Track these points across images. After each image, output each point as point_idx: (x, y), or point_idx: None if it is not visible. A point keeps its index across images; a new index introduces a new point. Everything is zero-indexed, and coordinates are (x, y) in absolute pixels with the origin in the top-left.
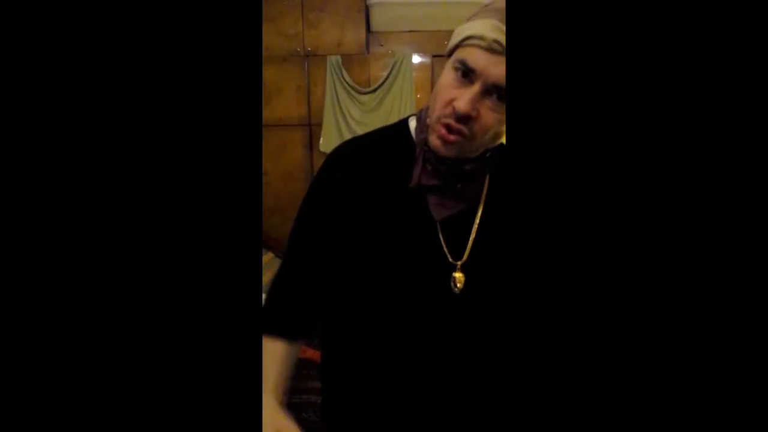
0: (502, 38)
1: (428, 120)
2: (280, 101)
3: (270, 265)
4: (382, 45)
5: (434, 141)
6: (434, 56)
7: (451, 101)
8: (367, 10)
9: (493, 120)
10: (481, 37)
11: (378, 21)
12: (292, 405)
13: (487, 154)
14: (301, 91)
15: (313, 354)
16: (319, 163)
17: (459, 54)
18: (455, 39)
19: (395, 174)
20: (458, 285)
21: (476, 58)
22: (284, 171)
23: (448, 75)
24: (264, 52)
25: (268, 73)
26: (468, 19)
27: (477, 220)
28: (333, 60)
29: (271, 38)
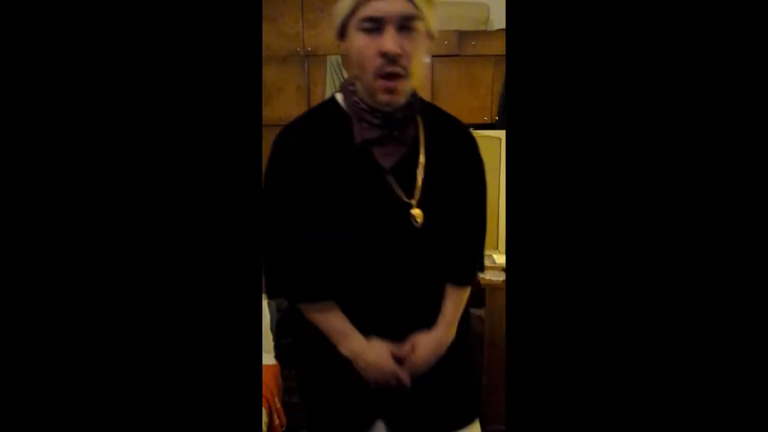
0: None
1: (361, 84)
2: (280, 101)
3: None
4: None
5: (382, 98)
6: (434, 56)
7: (376, 54)
8: None
9: (416, 50)
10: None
11: None
12: (292, 405)
13: (411, 100)
14: (301, 91)
15: None
16: None
17: (359, 16)
18: (344, 11)
19: (338, 140)
20: (418, 220)
21: (376, 7)
22: None
23: (359, 40)
24: (264, 52)
25: (268, 73)
26: None
27: (421, 161)
28: (333, 60)
29: (271, 38)
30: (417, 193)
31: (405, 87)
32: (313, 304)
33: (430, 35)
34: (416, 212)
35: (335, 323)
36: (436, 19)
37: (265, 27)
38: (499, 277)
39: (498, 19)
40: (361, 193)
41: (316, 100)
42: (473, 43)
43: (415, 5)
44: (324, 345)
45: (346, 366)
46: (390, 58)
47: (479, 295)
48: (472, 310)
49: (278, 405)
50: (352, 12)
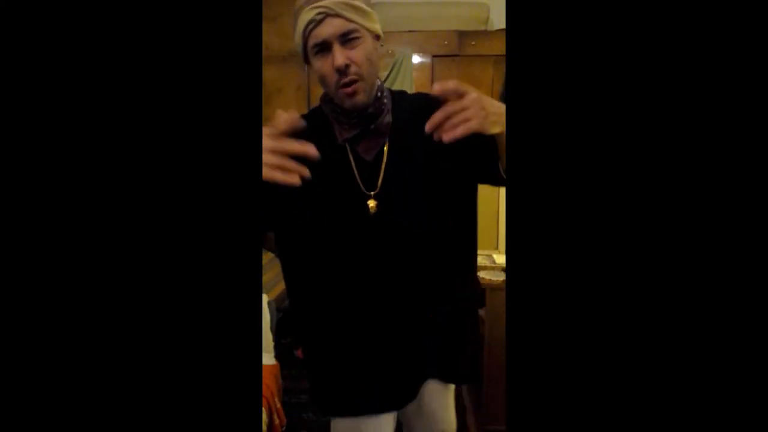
0: (319, 8)
1: (329, 97)
2: (280, 101)
3: (270, 265)
4: (382, 45)
5: (347, 103)
6: (434, 56)
7: (332, 70)
8: None
9: (362, 55)
10: (311, 21)
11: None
12: (292, 405)
13: (378, 94)
14: (301, 90)
15: None
16: None
17: (309, 45)
18: (298, 43)
19: (323, 141)
20: (372, 210)
21: (320, 32)
22: None
23: (317, 62)
24: (264, 52)
25: (268, 73)
26: (295, 29)
27: (384, 155)
28: None
29: (271, 38)
30: (379, 183)
31: (363, 87)
32: None
33: (376, 36)
34: (371, 203)
35: None
36: (376, 21)
37: (265, 27)
38: (499, 277)
39: (498, 19)
40: (332, 188)
41: (316, 100)
42: (473, 43)
43: (350, 20)
44: (332, 340)
45: (352, 359)
46: (342, 71)
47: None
48: None
49: (278, 405)
50: (304, 43)
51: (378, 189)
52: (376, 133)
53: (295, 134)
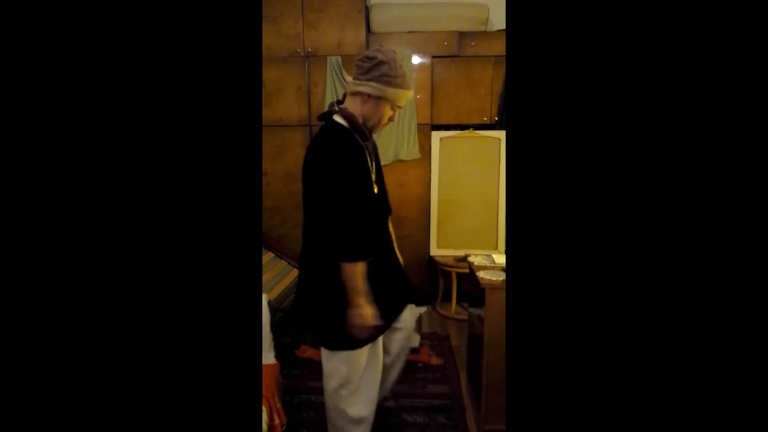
0: (411, 91)
1: (372, 123)
2: (280, 101)
3: (270, 264)
4: (382, 46)
5: (379, 128)
6: (434, 57)
7: (389, 118)
8: (367, 11)
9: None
10: (407, 98)
11: (378, 22)
12: (293, 404)
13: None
14: (301, 91)
15: (313, 354)
16: None
17: (397, 102)
18: (391, 98)
19: (355, 144)
20: (375, 191)
21: (404, 102)
22: (284, 171)
23: (388, 111)
24: (264, 53)
25: (269, 74)
26: (389, 84)
27: (373, 157)
28: (333, 60)
29: (271, 39)
30: (374, 175)
31: None
32: (360, 263)
33: None
34: (374, 186)
35: (363, 283)
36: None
37: (265, 28)
38: (499, 277)
39: (497, 20)
40: (370, 176)
41: (316, 100)
42: (472, 43)
43: None
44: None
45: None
46: (392, 119)
47: (479, 294)
48: (471, 310)
49: (278, 404)
50: (394, 99)
51: (374, 178)
52: (375, 144)
53: (339, 141)
